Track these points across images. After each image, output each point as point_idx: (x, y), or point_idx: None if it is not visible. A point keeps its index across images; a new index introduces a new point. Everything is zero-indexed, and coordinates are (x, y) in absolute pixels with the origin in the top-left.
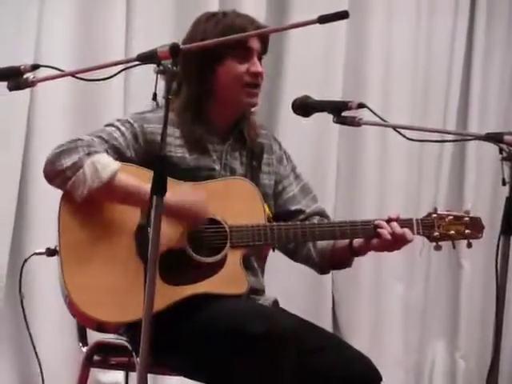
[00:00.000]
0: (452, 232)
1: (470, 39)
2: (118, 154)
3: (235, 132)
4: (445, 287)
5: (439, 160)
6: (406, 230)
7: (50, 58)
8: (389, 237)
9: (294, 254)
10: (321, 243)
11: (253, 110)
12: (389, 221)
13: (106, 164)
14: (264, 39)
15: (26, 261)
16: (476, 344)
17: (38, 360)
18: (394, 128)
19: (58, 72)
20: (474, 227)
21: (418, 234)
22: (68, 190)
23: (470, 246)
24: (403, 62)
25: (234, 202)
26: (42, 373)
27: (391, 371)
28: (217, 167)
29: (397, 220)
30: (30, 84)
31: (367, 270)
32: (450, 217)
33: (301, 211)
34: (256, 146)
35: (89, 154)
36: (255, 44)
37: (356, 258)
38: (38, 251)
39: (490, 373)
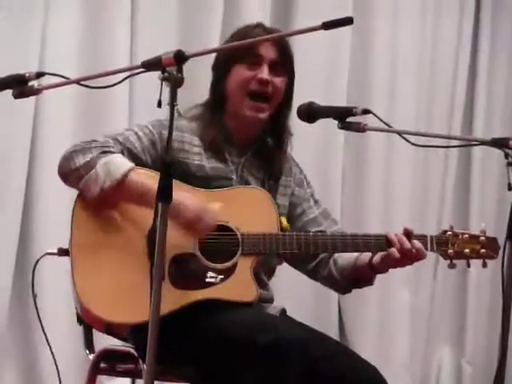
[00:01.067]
0: (467, 251)
1: (475, 44)
2: (133, 158)
3: (254, 148)
4: (451, 292)
5: (445, 165)
6: (418, 246)
7: (54, 66)
8: (397, 255)
9: (314, 274)
10: (341, 262)
11: (290, 133)
12: (406, 235)
13: (118, 164)
14: (278, 48)
15: (38, 261)
16: (482, 349)
17: (55, 360)
18: (399, 134)
19: (63, 79)
20: (490, 247)
21: (432, 250)
22: (81, 189)
23: (485, 265)
24: (408, 68)
25: (247, 209)
26: (58, 373)
27: (398, 377)
28: (234, 177)
29: (411, 235)
30: (35, 92)
31: (375, 279)
32: (466, 235)
33: (322, 232)
34: (276, 166)
35: (103, 154)
36: (266, 52)
37: None
38: (50, 251)
39: (496, 378)
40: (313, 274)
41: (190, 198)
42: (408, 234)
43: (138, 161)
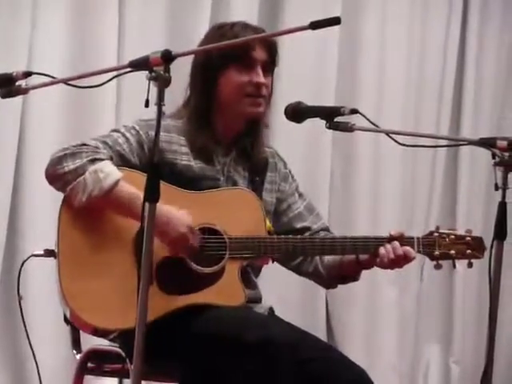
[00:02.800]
0: (453, 252)
1: (462, 43)
2: (123, 160)
3: (238, 146)
4: (438, 292)
5: (432, 165)
6: (408, 251)
7: (42, 65)
8: (386, 260)
9: (299, 270)
10: (327, 259)
11: (266, 126)
12: (391, 239)
13: (108, 173)
14: (270, 50)
15: (24, 262)
16: (470, 349)
17: (36, 364)
18: (387, 133)
19: (51, 79)
20: (476, 247)
21: (419, 252)
22: (68, 194)
23: (470, 265)
24: (396, 67)
25: (235, 212)
26: (39, 375)
27: (385, 376)
28: (221, 178)
29: (400, 238)
30: (23, 91)
31: (360, 274)
32: (452, 236)
33: (307, 228)
34: (260, 163)
35: (92, 161)
36: (259, 55)
37: None
38: (36, 253)
39: (483, 377)
40: (298, 270)
41: (177, 211)
42: (395, 240)
43: (127, 163)
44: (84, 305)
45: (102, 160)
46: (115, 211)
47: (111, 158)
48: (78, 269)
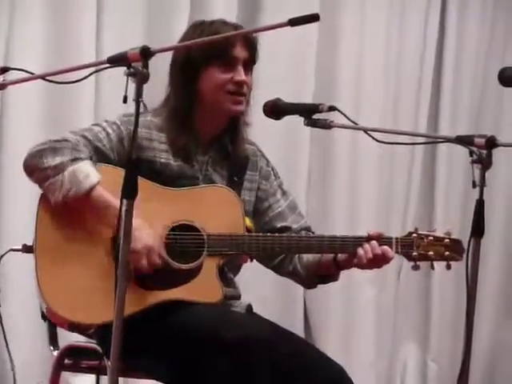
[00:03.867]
0: (431, 253)
1: (441, 40)
2: (102, 156)
3: (217, 145)
4: (416, 290)
5: (410, 162)
6: (386, 250)
7: (20, 61)
8: (364, 260)
9: (279, 269)
10: (307, 258)
11: (246, 124)
12: (369, 239)
13: (86, 175)
14: (250, 48)
15: (1, 257)
16: (447, 347)
17: (11, 359)
18: (365, 131)
19: (28, 75)
20: (455, 249)
21: (397, 253)
22: (45, 191)
23: (449, 267)
24: (374, 65)
25: (214, 209)
26: (13, 369)
27: (363, 374)
28: (199, 176)
29: (378, 238)
30: (0, 87)
31: (340, 274)
32: (430, 237)
33: (287, 228)
34: (240, 161)
35: (73, 161)
36: (240, 53)
37: None
38: (14, 247)
39: (460, 375)
40: (277, 270)
41: (146, 228)
42: (374, 239)
43: (105, 158)
44: (61, 300)
45: (83, 160)
46: (88, 214)
47: (91, 158)
48: (56, 264)
